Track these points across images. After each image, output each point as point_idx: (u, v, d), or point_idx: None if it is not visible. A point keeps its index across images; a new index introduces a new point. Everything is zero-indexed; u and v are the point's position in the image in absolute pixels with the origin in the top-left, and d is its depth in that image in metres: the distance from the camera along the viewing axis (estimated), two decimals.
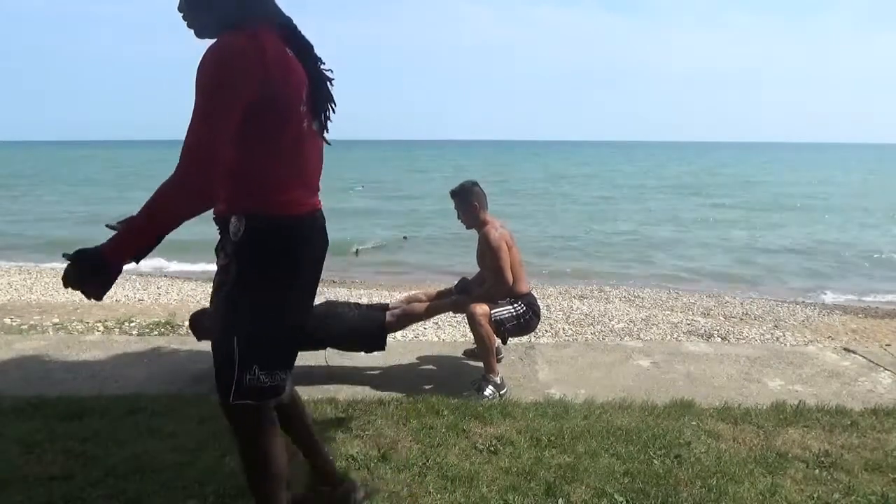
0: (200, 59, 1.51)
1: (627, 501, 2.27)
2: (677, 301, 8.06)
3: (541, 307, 3.76)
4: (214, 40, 1.53)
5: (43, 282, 8.45)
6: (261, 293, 1.64)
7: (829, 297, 9.34)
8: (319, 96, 1.73)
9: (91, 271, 1.47)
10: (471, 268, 3.95)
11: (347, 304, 3.84)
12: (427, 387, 3.48)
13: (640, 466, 2.51)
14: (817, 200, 24.48)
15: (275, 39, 1.61)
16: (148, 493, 2.25)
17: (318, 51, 1.76)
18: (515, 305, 3.52)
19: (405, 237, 15.19)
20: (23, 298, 7.06)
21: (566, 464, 2.52)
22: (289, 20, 1.70)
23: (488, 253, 3.49)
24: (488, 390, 3.35)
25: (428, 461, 2.52)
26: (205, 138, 1.47)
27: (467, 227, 3.67)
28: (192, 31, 1.64)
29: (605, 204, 23.81)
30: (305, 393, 3.26)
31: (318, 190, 1.81)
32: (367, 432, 2.81)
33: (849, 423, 3.02)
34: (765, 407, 3.20)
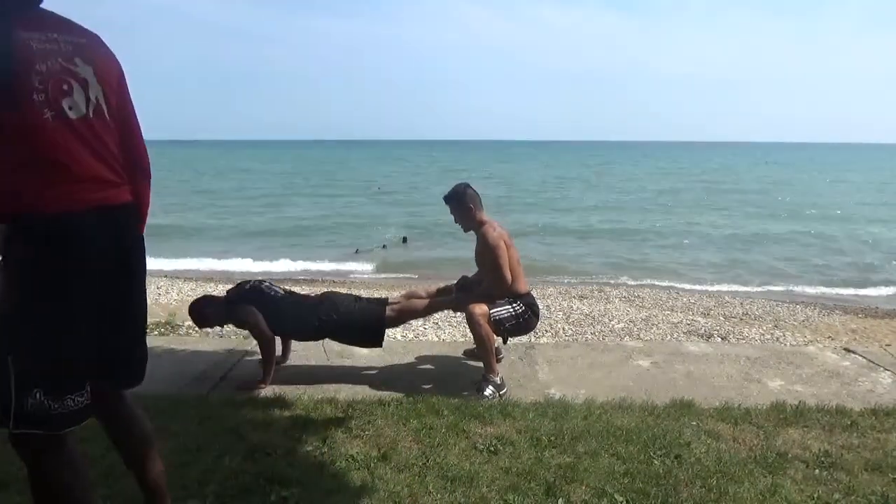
0: None
1: (627, 501, 2.27)
2: (677, 301, 8.05)
3: (540, 307, 3.76)
4: None
5: None
6: (35, 306, 1.46)
7: (829, 297, 9.34)
8: (55, 77, 1.49)
9: None
10: (470, 268, 3.94)
11: (349, 295, 3.82)
12: (427, 387, 3.48)
13: (640, 466, 2.51)
14: (813, 203, 24.47)
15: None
16: None
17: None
18: (514, 305, 3.52)
19: (404, 238, 15.18)
20: None
21: (566, 464, 2.52)
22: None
23: (487, 252, 3.49)
24: (488, 390, 3.35)
25: (428, 461, 2.52)
26: None
27: (465, 230, 3.66)
28: None
29: (607, 205, 23.81)
30: (306, 393, 3.27)
31: (103, 183, 1.58)
32: (367, 432, 2.81)
33: (849, 423, 3.02)
34: (765, 407, 3.19)
